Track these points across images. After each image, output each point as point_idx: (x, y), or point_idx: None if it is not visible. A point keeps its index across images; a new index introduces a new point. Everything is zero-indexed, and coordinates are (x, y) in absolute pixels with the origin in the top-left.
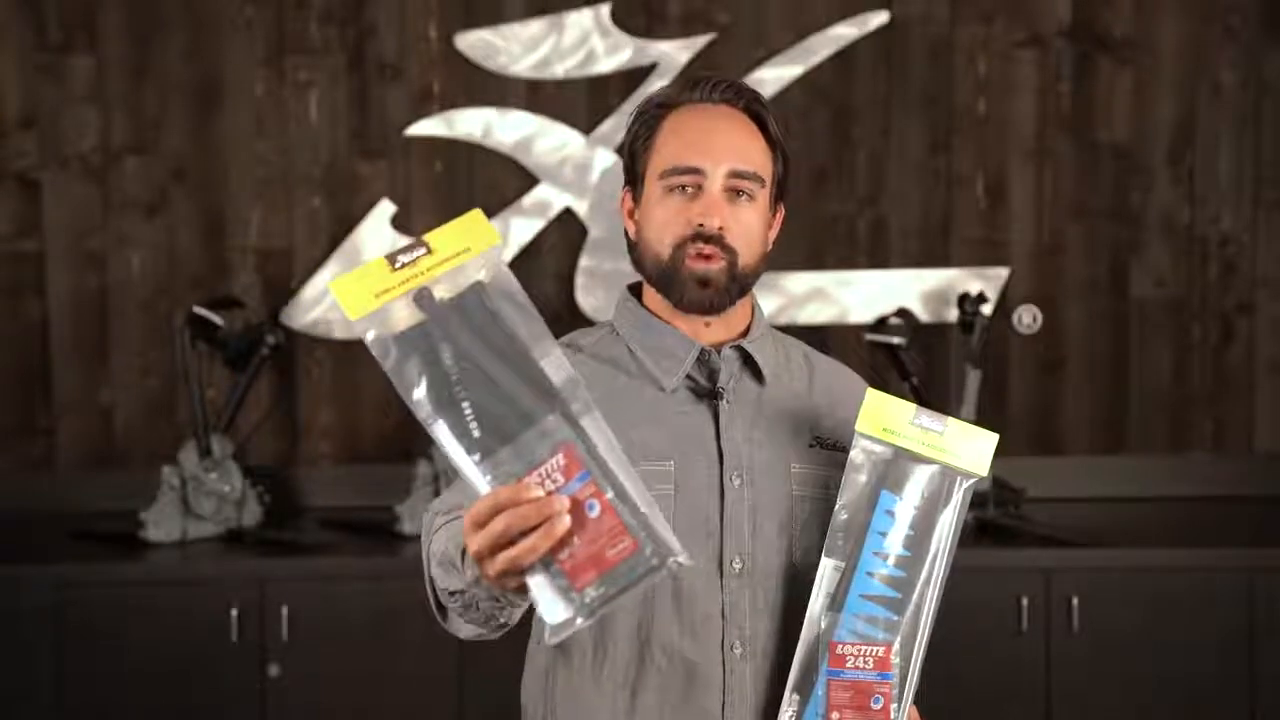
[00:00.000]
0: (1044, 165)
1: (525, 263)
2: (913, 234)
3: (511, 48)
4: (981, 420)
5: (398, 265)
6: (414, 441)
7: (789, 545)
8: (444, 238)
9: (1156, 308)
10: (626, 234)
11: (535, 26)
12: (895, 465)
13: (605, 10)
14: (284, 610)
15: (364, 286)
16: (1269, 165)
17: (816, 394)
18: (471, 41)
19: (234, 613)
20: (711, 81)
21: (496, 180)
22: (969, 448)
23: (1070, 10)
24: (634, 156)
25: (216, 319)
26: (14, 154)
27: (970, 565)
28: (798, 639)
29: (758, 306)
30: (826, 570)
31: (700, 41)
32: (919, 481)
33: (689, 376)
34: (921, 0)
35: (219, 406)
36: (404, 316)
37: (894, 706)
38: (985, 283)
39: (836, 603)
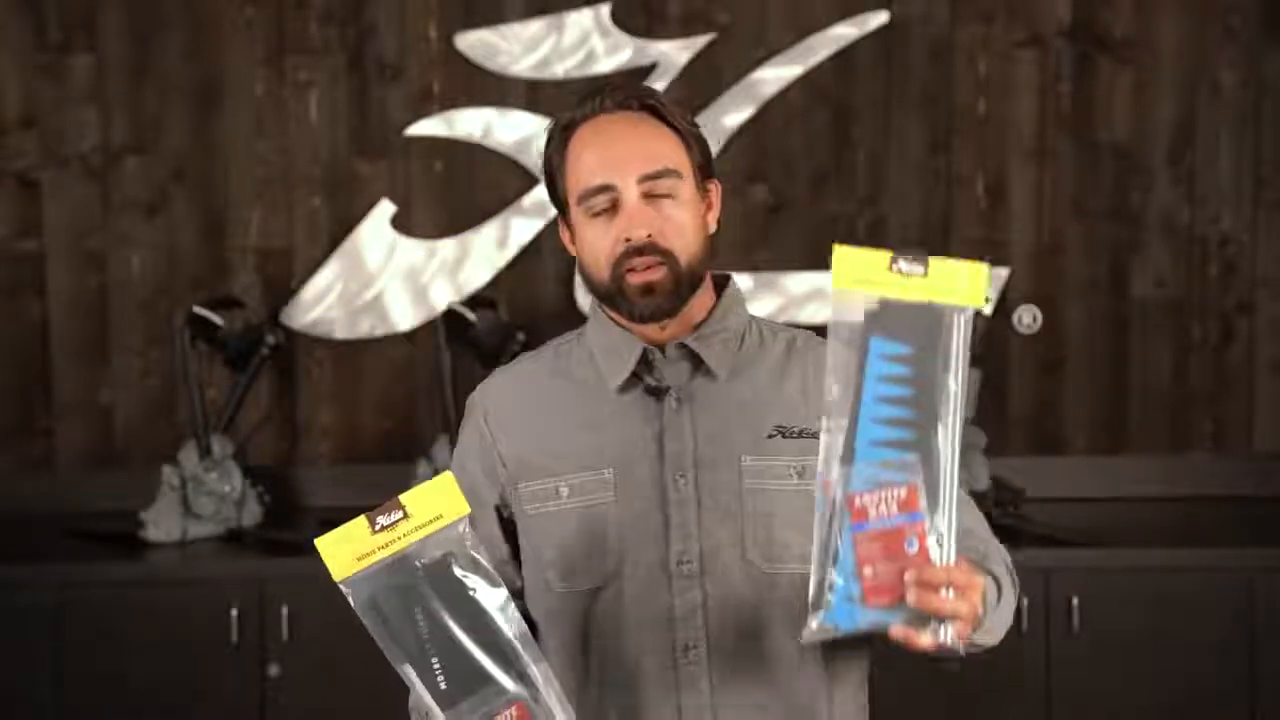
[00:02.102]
0: (1044, 165)
1: (525, 263)
2: (913, 234)
3: (511, 48)
4: (981, 420)
5: (377, 528)
6: (414, 441)
7: (740, 540)
8: (419, 501)
9: (1156, 308)
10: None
11: (535, 26)
12: (881, 313)
13: (605, 10)
14: (284, 610)
15: (347, 549)
16: (1269, 165)
17: (789, 382)
18: (471, 41)
19: (234, 613)
20: (602, 90)
21: (496, 180)
22: (959, 282)
23: (1070, 10)
24: (554, 186)
25: (216, 319)
26: (14, 154)
27: None
28: (754, 636)
29: (729, 297)
30: (830, 434)
31: (700, 41)
32: (911, 322)
33: (640, 376)
34: (921, 0)
35: (219, 406)
36: (385, 577)
37: (934, 549)
38: None
39: (845, 457)
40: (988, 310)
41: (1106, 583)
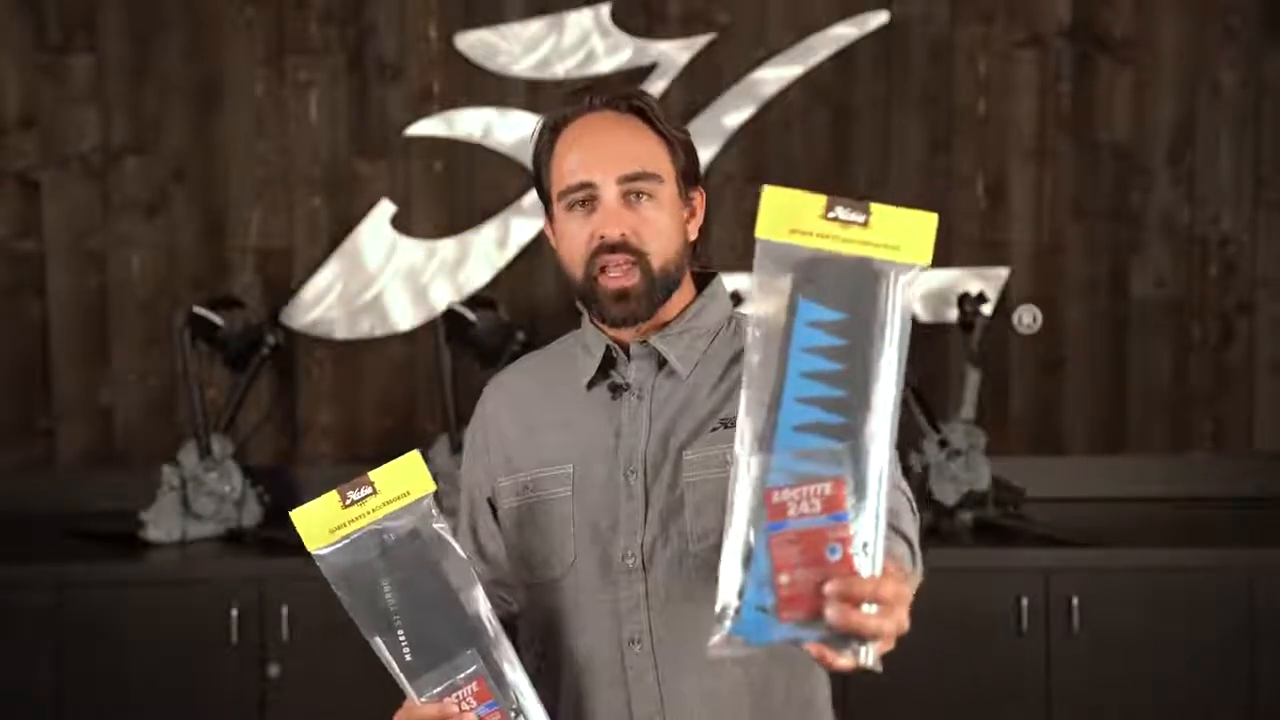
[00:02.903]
0: (1044, 165)
1: (525, 263)
2: None
3: (511, 48)
4: (981, 420)
5: (348, 502)
6: (414, 441)
7: (684, 534)
8: (388, 478)
9: (1156, 308)
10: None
11: (535, 26)
12: (812, 270)
13: (605, 10)
14: (284, 610)
15: (320, 521)
16: (1269, 165)
17: (737, 371)
18: (471, 41)
19: (234, 613)
20: (590, 91)
21: (496, 180)
22: (903, 233)
23: (1070, 10)
24: (540, 182)
25: (216, 319)
26: (14, 154)
27: (970, 565)
28: (700, 628)
29: (706, 295)
30: (750, 406)
31: (700, 41)
32: (846, 282)
33: (609, 374)
34: (921, 0)
35: (219, 406)
36: (354, 550)
37: (859, 557)
38: (985, 283)
39: (764, 442)
40: (987, 310)
41: (1106, 583)
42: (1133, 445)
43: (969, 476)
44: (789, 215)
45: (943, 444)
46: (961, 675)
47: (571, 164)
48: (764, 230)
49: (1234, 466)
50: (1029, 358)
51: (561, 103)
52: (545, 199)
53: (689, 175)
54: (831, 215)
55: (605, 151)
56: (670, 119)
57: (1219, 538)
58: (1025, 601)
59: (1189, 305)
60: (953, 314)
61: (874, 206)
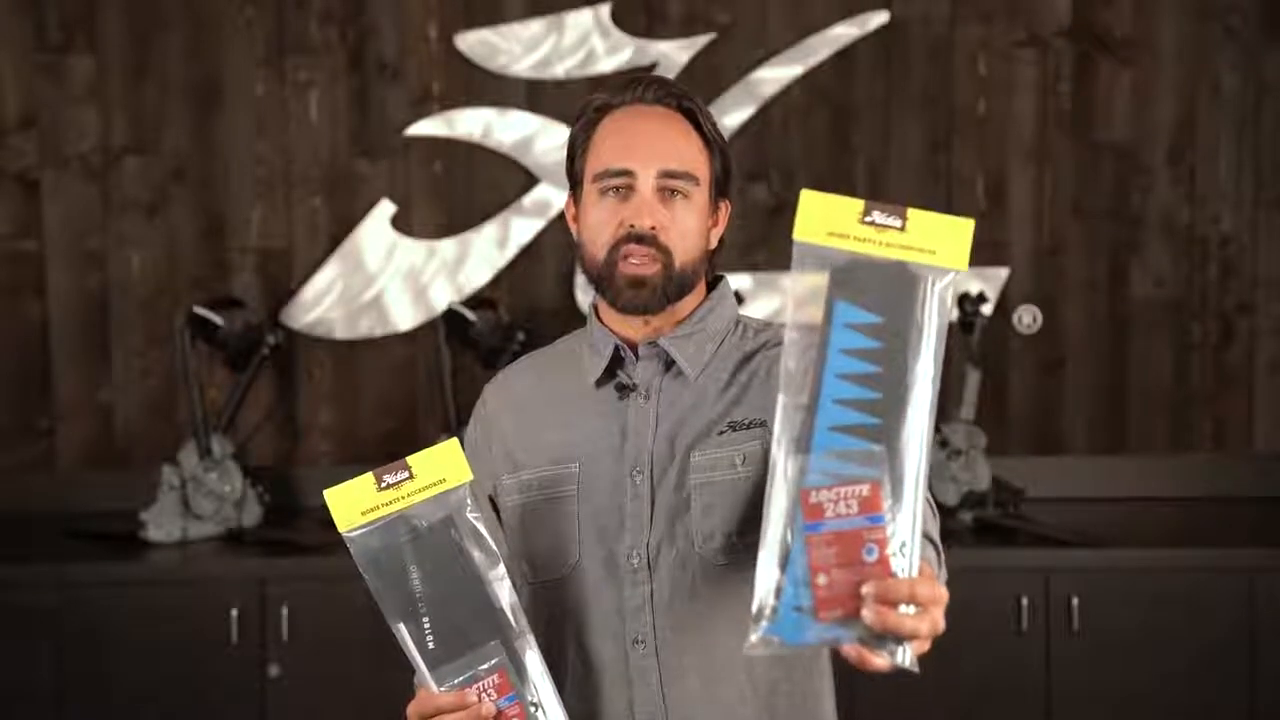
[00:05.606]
0: (1044, 165)
1: (525, 263)
2: None
3: (511, 48)
4: (981, 420)
5: (383, 485)
6: (414, 441)
7: (689, 535)
8: (425, 464)
9: (1156, 308)
10: (574, 237)
11: (535, 26)
12: (849, 273)
13: (605, 10)
14: (284, 610)
15: (353, 502)
16: (1269, 165)
17: (747, 375)
18: (471, 41)
19: (234, 613)
20: (644, 82)
21: (496, 180)
22: (940, 240)
23: (1070, 10)
24: (573, 160)
25: (216, 319)
26: (14, 154)
27: (970, 565)
28: (704, 629)
29: (714, 298)
30: (786, 411)
31: (700, 41)
32: (883, 286)
33: (616, 373)
34: (921, 0)
35: (219, 406)
36: (385, 534)
37: (896, 558)
38: (985, 283)
39: (801, 444)
40: (987, 310)
41: (1106, 583)
42: (1133, 445)
43: (969, 476)
44: (826, 218)
45: (943, 444)
46: (961, 675)
47: (614, 148)
48: (801, 233)
49: (1234, 466)
50: (1029, 358)
51: (613, 88)
52: (575, 179)
53: (721, 185)
54: (868, 219)
55: (650, 143)
56: (715, 124)
57: (1219, 538)
58: (1025, 601)
59: (1189, 305)
60: (953, 314)
61: (911, 212)
